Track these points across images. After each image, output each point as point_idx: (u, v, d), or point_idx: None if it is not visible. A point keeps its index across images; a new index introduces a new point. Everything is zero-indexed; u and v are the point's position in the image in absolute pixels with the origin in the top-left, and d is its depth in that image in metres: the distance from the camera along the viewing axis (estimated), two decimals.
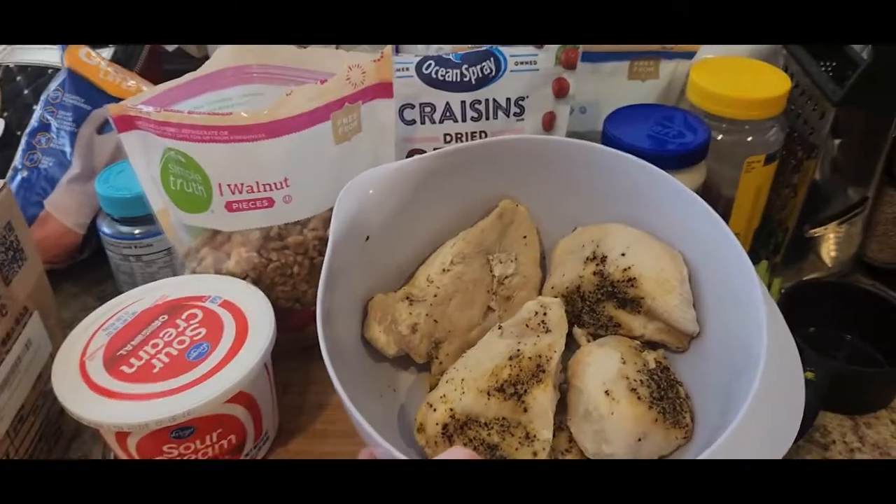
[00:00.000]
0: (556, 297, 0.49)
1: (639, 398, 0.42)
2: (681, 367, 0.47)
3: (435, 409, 0.42)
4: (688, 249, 0.47)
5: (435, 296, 0.48)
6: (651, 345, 0.48)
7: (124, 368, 0.44)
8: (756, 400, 0.35)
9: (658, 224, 0.48)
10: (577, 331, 0.48)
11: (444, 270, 0.49)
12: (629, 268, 0.47)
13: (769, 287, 0.60)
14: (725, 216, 0.60)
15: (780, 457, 0.35)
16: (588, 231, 0.50)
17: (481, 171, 0.50)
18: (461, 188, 0.50)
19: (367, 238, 0.47)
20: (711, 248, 0.45)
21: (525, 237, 0.52)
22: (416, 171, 0.48)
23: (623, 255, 0.47)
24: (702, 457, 0.34)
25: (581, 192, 0.50)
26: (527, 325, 0.45)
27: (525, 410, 0.42)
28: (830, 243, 0.63)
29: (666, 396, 0.43)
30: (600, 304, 0.48)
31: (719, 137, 0.58)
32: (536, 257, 0.52)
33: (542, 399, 0.42)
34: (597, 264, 0.48)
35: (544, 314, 0.45)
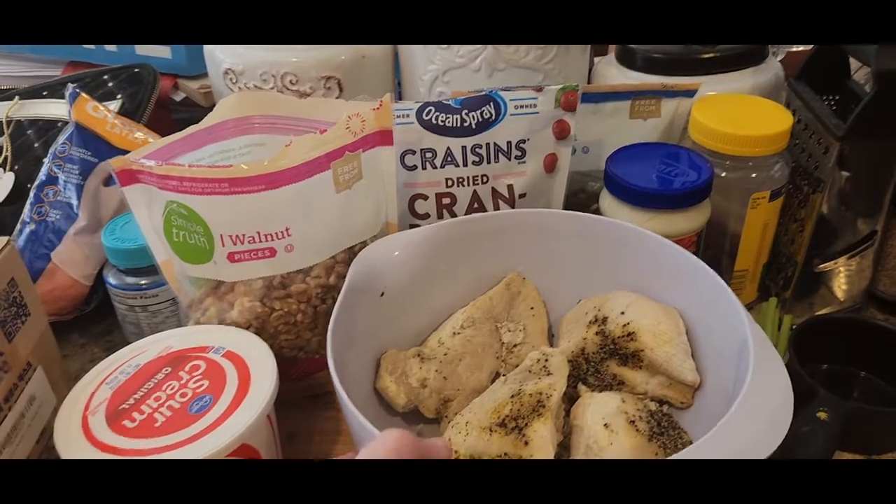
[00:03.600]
0: None
1: (637, 430, 0.42)
2: (685, 424, 0.47)
3: None
4: (686, 308, 0.49)
5: (445, 355, 0.50)
6: (656, 403, 0.48)
7: (126, 423, 0.44)
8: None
9: (657, 288, 0.50)
10: (583, 388, 0.49)
11: (454, 334, 0.51)
12: (628, 323, 0.48)
13: (780, 323, 0.59)
14: (732, 253, 0.60)
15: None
16: (591, 301, 0.52)
17: (495, 242, 0.53)
18: (475, 257, 0.53)
19: (382, 294, 0.49)
20: (711, 308, 0.46)
21: (532, 308, 0.54)
22: (438, 236, 0.51)
23: (622, 313, 0.49)
24: (695, 444, 0.35)
25: (585, 264, 0.53)
26: (529, 371, 0.46)
27: (526, 444, 0.42)
28: (841, 277, 0.63)
29: (667, 434, 0.43)
30: (604, 363, 0.49)
31: (723, 175, 0.57)
32: (544, 329, 0.54)
33: (543, 431, 0.42)
34: (598, 325, 0.50)
35: (546, 360, 0.46)
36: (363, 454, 0.32)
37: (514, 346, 0.52)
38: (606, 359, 0.49)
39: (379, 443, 0.32)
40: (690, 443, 0.44)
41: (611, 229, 0.52)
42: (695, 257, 0.48)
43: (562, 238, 0.53)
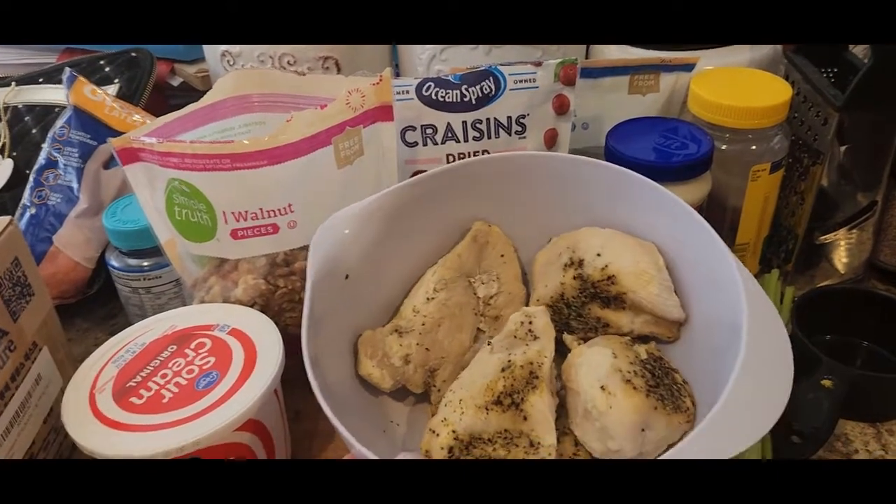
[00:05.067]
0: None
1: (634, 388, 0.42)
2: (674, 356, 0.47)
3: (438, 434, 0.42)
4: (661, 239, 0.48)
5: (423, 324, 0.49)
6: (643, 339, 0.48)
7: (134, 400, 0.44)
8: (744, 371, 0.36)
9: (628, 221, 0.49)
10: (568, 337, 0.49)
11: (428, 299, 0.49)
12: (606, 266, 0.48)
13: (782, 296, 0.59)
14: (733, 226, 0.60)
15: (771, 424, 0.35)
16: (562, 239, 0.51)
17: (451, 197, 0.51)
18: (434, 216, 0.51)
19: (347, 277, 0.47)
20: (683, 234, 0.46)
21: (503, 255, 0.52)
22: (388, 205, 0.49)
23: (598, 255, 0.48)
24: (696, 431, 0.34)
25: (550, 202, 0.52)
26: (514, 337, 0.46)
27: (525, 419, 0.42)
28: (842, 249, 0.63)
29: (662, 383, 0.43)
30: (585, 307, 0.49)
31: (723, 148, 0.57)
32: (517, 273, 0.53)
33: (540, 405, 0.42)
34: (575, 269, 0.49)
35: (530, 323, 0.46)
36: None
37: (491, 297, 0.51)
38: (588, 302, 0.49)
39: None
40: (685, 382, 0.44)
41: (568, 165, 0.50)
42: (662, 188, 0.47)
43: (522, 180, 0.51)
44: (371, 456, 0.35)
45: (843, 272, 0.64)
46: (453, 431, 0.42)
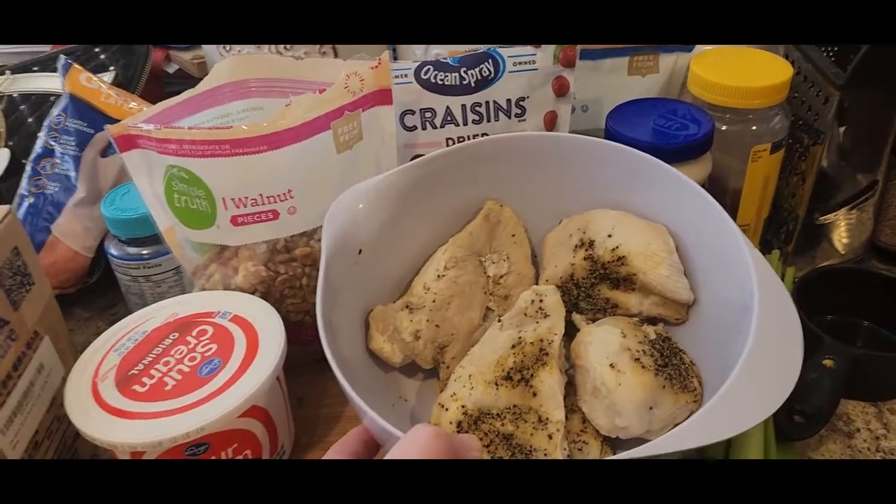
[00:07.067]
0: None
1: (643, 367, 0.42)
2: (682, 338, 0.47)
3: (447, 409, 0.42)
4: (672, 222, 0.48)
5: (433, 301, 0.49)
6: (651, 321, 0.48)
7: (136, 388, 0.44)
8: (755, 349, 0.36)
9: (639, 202, 0.49)
10: (577, 317, 0.49)
11: (438, 276, 0.50)
12: (617, 247, 0.48)
13: (783, 277, 0.59)
14: (734, 207, 0.60)
15: (779, 403, 0.35)
16: (573, 220, 0.51)
17: (464, 176, 0.51)
18: (446, 194, 0.51)
19: (360, 252, 0.48)
20: (694, 217, 0.46)
21: (513, 235, 0.52)
22: (402, 181, 0.49)
23: (609, 236, 0.48)
24: (705, 407, 0.34)
25: (561, 184, 0.52)
26: (525, 314, 0.46)
27: (534, 395, 0.42)
28: (842, 230, 0.63)
29: (670, 363, 0.43)
30: (595, 287, 0.49)
31: (723, 128, 0.57)
32: (527, 254, 0.53)
33: (550, 381, 0.42)
34: (586, 250, 0.49)
35: (541, 301, 0.46)
36: (395, 454, 0.30)
37: (500, 277, 0.51)
38: (597, 283, 0.49)
39: (412, 444, 0.30)
40: (692, 363, 0.45)
41: (582, 146, 0.50)
42: (674, 170, 0.47)
43: (534, 160, 0.51)
44: (383, 423, 0.35)
45: (843, 252, 0.64)
46: (462, 406, 0.42)
